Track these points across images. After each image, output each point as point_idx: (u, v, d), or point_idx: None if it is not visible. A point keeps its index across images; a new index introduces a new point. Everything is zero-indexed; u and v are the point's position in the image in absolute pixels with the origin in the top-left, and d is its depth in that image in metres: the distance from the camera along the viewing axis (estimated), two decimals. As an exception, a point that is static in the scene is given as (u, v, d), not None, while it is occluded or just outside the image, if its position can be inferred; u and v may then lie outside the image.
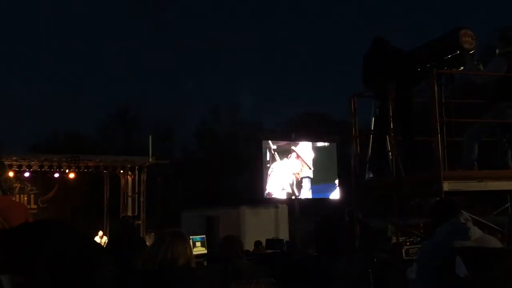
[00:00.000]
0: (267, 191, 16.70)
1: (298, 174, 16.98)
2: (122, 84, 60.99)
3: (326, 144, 17.63)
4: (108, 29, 71.88)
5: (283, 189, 16.78)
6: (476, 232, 3.92)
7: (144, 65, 68.85)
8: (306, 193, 17.20)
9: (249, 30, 73.54)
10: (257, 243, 14.57)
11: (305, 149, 17.16)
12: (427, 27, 49.90)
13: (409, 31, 52.00)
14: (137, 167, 16.75)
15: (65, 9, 70.78)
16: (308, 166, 17.06)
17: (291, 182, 16.85)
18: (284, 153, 16.82)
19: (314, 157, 17.21)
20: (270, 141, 16.85)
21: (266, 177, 16.58)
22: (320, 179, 17.30)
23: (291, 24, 70.92)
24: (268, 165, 16.64)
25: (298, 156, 16.98)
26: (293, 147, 16.97)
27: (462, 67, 7.31)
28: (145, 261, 3.57)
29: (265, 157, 16.63)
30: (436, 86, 6.65)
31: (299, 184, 16.96)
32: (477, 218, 6.05)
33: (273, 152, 16.67)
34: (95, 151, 23.53)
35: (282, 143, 17.09)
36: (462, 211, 4.13)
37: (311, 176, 17.13)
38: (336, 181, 17.41)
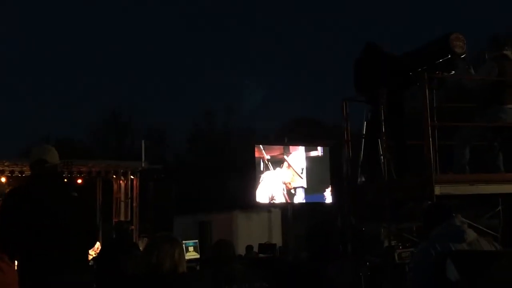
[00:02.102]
0: (257, 200, 16.62)
1: (290, 183, 16.92)
2: (114, 89, 60.87)
3: (320, 154, 17.55)
4: (99, 33, 71.76)
5: (273, 199, 16.69)
6: (471, 235, 3.92)
7: (136, 69, 68.76)
8: (299, 201, 17.15)
9: (240, 36, 73.61)
10: (249, 248, 14.57)
11: (297, 159, 17.11)
12: (418, 34, 49.96)
13: (400, 38, 52.15)
14: (130, 172, 16.72)
15: (56, 12, 70.57)
16: (300, 176, 16.99)
17: (283, 192, 16.79)
18: (277, 163, 16.77)
19: (308, 167, 17.16)
20: (263, 151, 16.79)
21: (258, 184, 16.51)
22: (313, 189, 17.23)
23: (283, 29, 71.02)
24: (261, 174, 16.59)
25: (289, 166, 16.93)
26: (285, 157, 16.91)
27: (453, 71, 7.34)
28: (136, 265, 3.56)
29: (259, 166, 16.56)
30: (427, 90, 6.68)
31: (291, 194, 16.90)
32: (469, 222, 6.08)
33: (266, 162, 16.62)
34: (87, 156, 23.46)
35: (275, 152, 17.00)
36: (456, 214, 4.13)
37: (305, 186, 17.08)
38: (328, 189, 17.33)
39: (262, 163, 16.53)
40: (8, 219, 4.43)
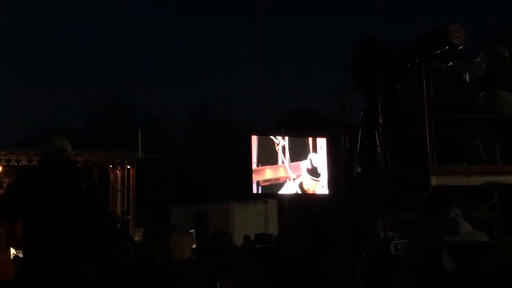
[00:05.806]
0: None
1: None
2: (111, 78, 60.63)
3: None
4: (98, 24, 71.53)
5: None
6: (465, 227, 3.93)
7: (134, 59, 68.49)
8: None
9: (240, 28, 73.41)
10: (246, 238, 14.63)
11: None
12: (416, 26, 49.85)
13: (396, 29, 52.06)
14: (126, 162, 16.71)
15: (56, 2, 70.23)
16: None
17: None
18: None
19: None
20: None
21: (252, 172, 16.47)
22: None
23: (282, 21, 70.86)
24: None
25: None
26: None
27: (451, 63, 7.33)
28: (138, 256, 3.55)
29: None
30: (424, 81, 6.67)
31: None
32: (465, 213, 6.09)
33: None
34: (84, 146, 23.38)
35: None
36: (453, 205, 4.14)
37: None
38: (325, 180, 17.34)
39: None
40: (16, 189, 4.72)
